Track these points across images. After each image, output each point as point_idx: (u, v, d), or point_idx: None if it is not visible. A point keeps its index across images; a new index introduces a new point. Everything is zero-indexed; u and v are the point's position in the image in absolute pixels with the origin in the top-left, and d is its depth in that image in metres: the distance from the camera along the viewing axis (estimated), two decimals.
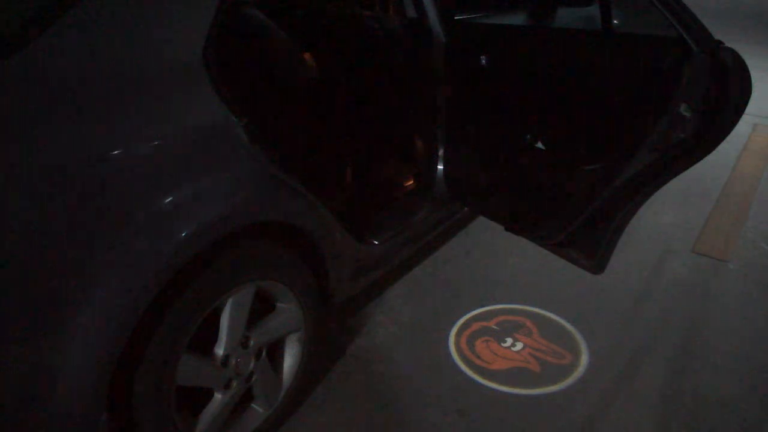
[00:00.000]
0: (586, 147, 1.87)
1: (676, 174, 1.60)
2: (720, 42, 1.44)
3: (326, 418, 1.76)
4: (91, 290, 1.08)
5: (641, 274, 2.49)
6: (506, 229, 2.14)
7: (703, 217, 2.98)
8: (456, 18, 2.34)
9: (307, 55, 2.27)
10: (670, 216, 2.97)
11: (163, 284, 1.18)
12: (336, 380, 1.90)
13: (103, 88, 1.13)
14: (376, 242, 2.04)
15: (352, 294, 1.97)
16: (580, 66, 1.83)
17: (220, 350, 1.43)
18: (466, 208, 2.50)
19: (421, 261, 2.55)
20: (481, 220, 2.86)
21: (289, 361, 1.69)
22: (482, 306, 2.27)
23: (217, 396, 1.48)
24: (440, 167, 2.36)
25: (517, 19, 2.89)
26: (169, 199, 1.18)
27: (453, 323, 2.17)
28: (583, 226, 1.82)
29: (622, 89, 1.71)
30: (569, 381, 1.90)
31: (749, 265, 2.57)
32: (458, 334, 2.12)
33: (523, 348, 2.05)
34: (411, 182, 2.57)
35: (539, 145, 2.07)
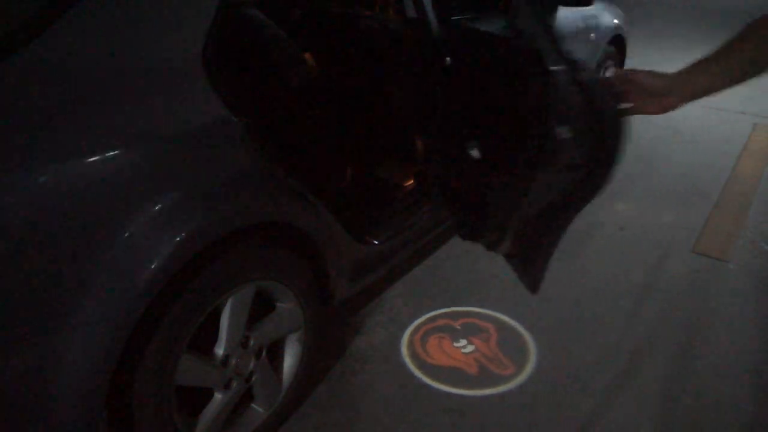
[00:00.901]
0: (495, 159, 1.76)
1: (586, 198, 1.50)
2: (576, 61, 1.38)
3: (326, 418, 1.76)
4: (90, 290, 1.08)
5: (641, 274, 2.49)
6: (462, 236, 2.05)
7: (703, 217, 2.98)
8: (453, 18, 2.33)
9: (307, 55, 2.27)
10: (670, 216, 2.97)
11: (162, 284, 1.18)
12: (336, 380, 1.90)
13: (103, 89, 1.13)
14: (376, 242, 2.05)
15: (352, 294, 1.97)
16: (488, 72, 1.74)
17: (220, 350, 1.43)
18: None
19: (421, 261, 2.55)
20: None
21: (289, 361, 1.69)
22: (451, 306, 2.28)
23: (217, 396, 1.48)
24: None
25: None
26: (170, 198, 1.18)
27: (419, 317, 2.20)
28: (514, 242, 1.75)
29: (512, 101, 1.61)
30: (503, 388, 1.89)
31: (749, 265, 2.57)
32: (418, 327, 2.16)
33: (473, 351, 2.05)
34: (411, 182, 2.57)
35: (474, 152, 2.00)
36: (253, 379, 1.56)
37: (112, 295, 1.10)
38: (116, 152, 1.11)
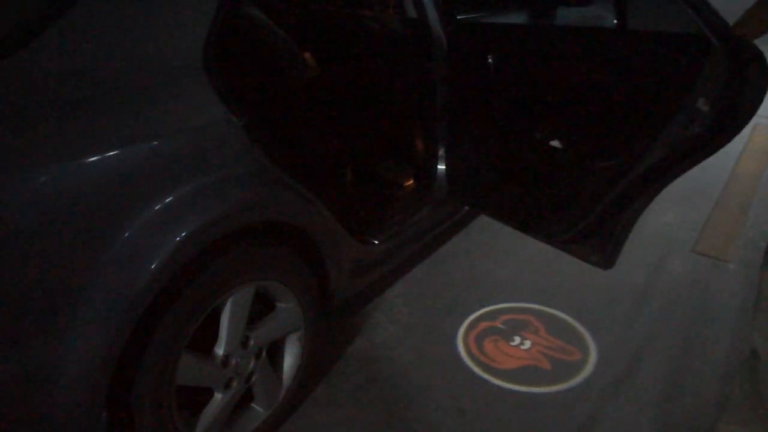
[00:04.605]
0: (600, 144, 1.87)
1: (687, 168, 1.60)
2: (739, 36, 1.45)
3: (326, 418, 1.76)
4: (90, 290, 1.08)
5: (641, 274, 2.49)
6: (514, 227, 2.13)
7: (703, 217, 2.98)
8: (458, 17, 2.34)
9: (307, 55, 2.27)
10: (670, 216, 2.97)
11: (163, 284, 1.18)
12: (336, 380, 1.90)
13: (103, 89, 1.13)
14: (376, 242, 2.04)
15: (352, 294, 1.97)
16: (593, 64, 1.83)
17: (220, 350, 1.43)
18: (466, 208, 2.50)
19: (421, 261, 2.55)
20: (481, 220, 2.86)
21: (289, 360, 1.69)
22: (485, 306, 2.27)
23: (217, 396, 1.48)
24: (440, 167, 2.36)
25: (518, 18, 2.89)
26: (169, 198, 1.18)
27: (460, 323, 2.17)
28: (593, 223, 1.83)
29: (636, 86, 1.71)
30: (578, 379, 1.91)
31: (749, 265, 2.57)
32: (466, 334, 2.12)
33: (532, 346, 2.06)
34: (411, 182, 2.57)
35: (555, 143, 2.07)
36: (253, 379, 1.56)
37: (113, 294, 1.10)
38: (116, 152, 1.11)
